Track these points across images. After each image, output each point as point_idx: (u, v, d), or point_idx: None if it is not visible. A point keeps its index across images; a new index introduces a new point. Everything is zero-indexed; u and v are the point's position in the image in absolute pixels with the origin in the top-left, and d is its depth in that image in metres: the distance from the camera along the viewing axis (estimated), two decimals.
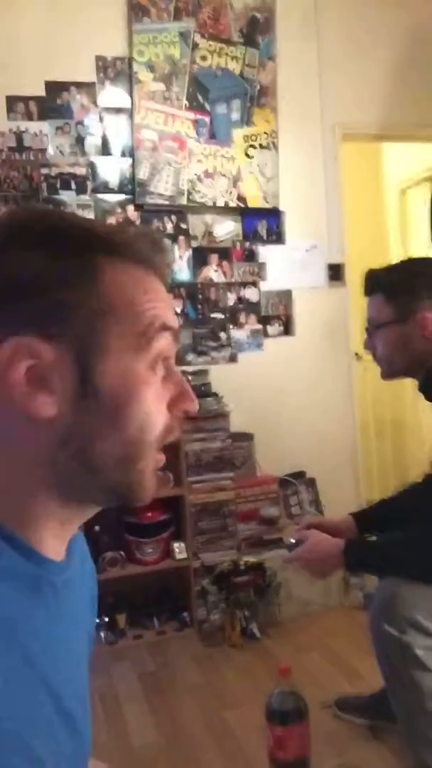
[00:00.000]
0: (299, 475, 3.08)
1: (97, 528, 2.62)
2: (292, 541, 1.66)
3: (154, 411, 0.60)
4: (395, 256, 4.21)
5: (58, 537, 0.62)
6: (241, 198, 3.04)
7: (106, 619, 2.61)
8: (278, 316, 3.15)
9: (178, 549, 2.69)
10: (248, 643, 2.52)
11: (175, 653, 2.52)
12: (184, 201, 2.94)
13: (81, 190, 2.83)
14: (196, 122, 2.96)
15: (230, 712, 2.08)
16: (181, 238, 2.98)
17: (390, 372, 1.66)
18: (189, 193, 2.95)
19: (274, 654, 2.44)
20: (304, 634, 2.59)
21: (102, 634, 2.57)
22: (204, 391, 2.81)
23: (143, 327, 0.59)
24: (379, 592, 1.43)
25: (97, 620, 2.57)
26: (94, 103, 2.85)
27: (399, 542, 1.49)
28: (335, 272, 3.23)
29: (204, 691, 2.23)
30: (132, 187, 2.88)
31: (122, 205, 2.89)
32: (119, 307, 0.58)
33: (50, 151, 2.80)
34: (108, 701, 2.19)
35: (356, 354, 3.36)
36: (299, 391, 3.17)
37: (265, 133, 3.07)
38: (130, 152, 2.88)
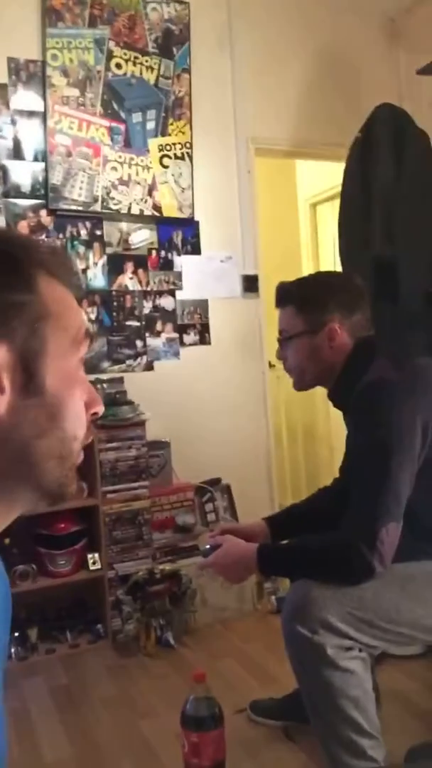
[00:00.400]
0: (215, 482, 3.11)
1: (7, 541, 2.54)
2: (207, 546, 1.68)
3: (81, 409, 0.66)
4: (307, 269, 4.35)
5: None
6: (156, 207, 3.05)
7: (17, 634, 2.53)
8: (194, 324, 3.17)
9: (92, 560, 2.65)
10: (163, 652, 2.51)
11: (89, 666, 2.47)
12: (98, 208, 2.92)
13: None
14: (110, 129, 2.95)
15: (145, 722, 2.06)
16: (96, 244, 2.96)
17: (301, 383, 1.73)
18: (104, 200, 2.93)
19: (189, 662, 2.44)
20: (219, 641, 2.61)
21: (12, 650, 2.49)
22: (119, 399, 2.79)
23: (74, 332, 0.66)
24: (291, 594, 1.46)
25: None
26: (6, 105, 2.79)
27: (310, 545, 1.53)
28: (250, 283, 3.30)
29: (118, 703, 2.21)
30: (45, 191, 2.83)
31: (34, 210, 2.83)
32: (56, 314, 0.64)
33: None
34: (20, 717, 2.12)
35: (270, 363, 3.44)
36: (215, 399, 3.21)
37: (180, 143, 3.10)
38: (43, 156, 2.84)
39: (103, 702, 2.22)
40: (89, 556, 2.65)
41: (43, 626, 2.62)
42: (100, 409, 0.69)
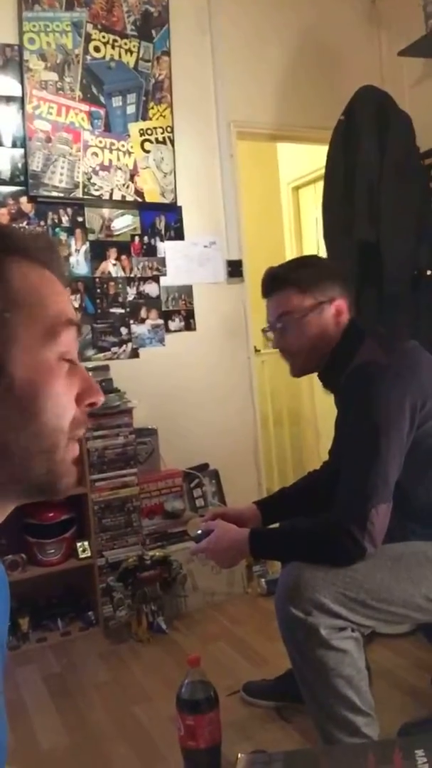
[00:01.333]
0: (203, 468, 3.12)
1: None
2: (199, 532, 1.68)
3: (63, 402, 0.63)
4: (290, 253, 4.34)
5: None
6: (138, 192, 3.02)
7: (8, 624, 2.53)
8: (179, 311, 3.16)
9: (82, 548, 2.65)
10: (155, 638, 2.53)
11: (81, 653, 2.48)
12: (80, 194, 2.89)
13: None
14: (90, 114, 2.91)
15: (139, 707, 2.08)
16: (78, 231, 2.93)
17: (307, 366, 1.68)
18: (85, 186, 2.90)
19: (181, 646, 2.46)
20: (211, 624, 2.63)
21: None
22: (105, 387, 2.77)
23: (51, 321, 0.63)
24: (283, 577, 1.47)
25: None
26: None
27: (301, 528, 1.54)
28: (234, 268, 3.29)
29: (112, 689, 2.22)
30: (25, 178, 2.79)
31: (15, 197, 2.79)
32: (28, 302, 0.61)
33: None
34: (14, 706, 2.12)
35: (255, 348, 3.44)
36: (201, 385, 3.20)
37: (161, 128, 3.07)
38: (23, 143, 2.79)
39: (97, 688, 2.23)
40: (79, 544, 2.65)
41: (35, 615, 2.62)
42: (98, 398, 0.67)
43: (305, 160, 4.10)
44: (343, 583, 1.41)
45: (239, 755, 0.83)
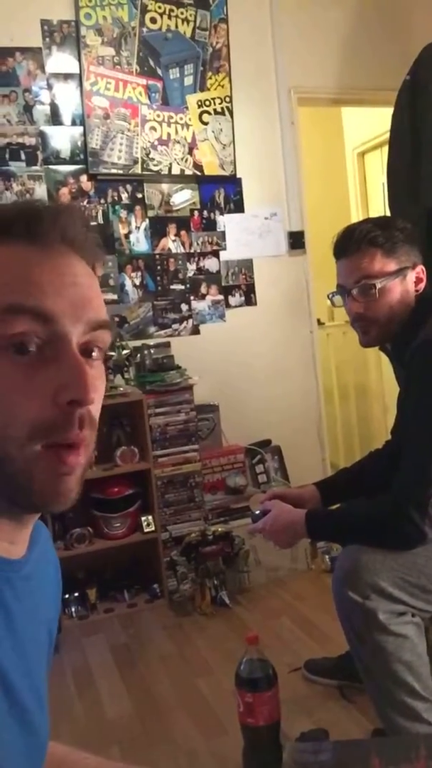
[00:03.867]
0: (265, 444, 3.11)
1: None
2: (257, 512, 1.67)
3: (9, 404, 0.54)
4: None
5: (9, 537, 0.62)
6: (197, 165, 2.98)
7: (77, 594, 2.61)
8: (239, 285, 3.13)
9: (146, 522, 2.70)
10: (219, 611, 2.56)
11: (147, 624, 2.54)
12: (138, 170, 2.88)
13: (31, 160, 2.74)
14: (148, 88, 2.88)
15: (202, 680, 2.11)
16: (137, 208, 2.92)
17: (385, 334, 1.56)
18: (143, 162, 2.88)
19: (244, 620, 2.48)
20: (274, 600, 2.63)
21: (73, 609, 2.58)
22: (167, 364, 2.79)
23: None
24: (341, 560, 1.45)
25: (67, 595, 2.58)
26: (42, 69, 2.75)
27: (359, 510, 1.51)
28: (296, 240, 3.22)
29: (176, 661, 2.26)
30: (84, 156, 2.81)
31: (75, 175, 2.81)
32: None
33: None
34: (81, 675, 2.21)
35: (318, 320, 3.37)
36: (263, 361, 3.17)
37: (219, 98, 3.01)
38: (81, 120, 2.80)
39: (161, 659, 2.28)
40: (143, 518, 2.70)
41: (102, 587, 2.69)
42: (75, 393, 0.54)
43: (371, 124, 3.94)
44: (403, 568, 1.38)
45: (285, 744, 0.82)
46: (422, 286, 1.56)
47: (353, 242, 1.54)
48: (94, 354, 0.60)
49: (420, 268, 1.56)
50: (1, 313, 0.53)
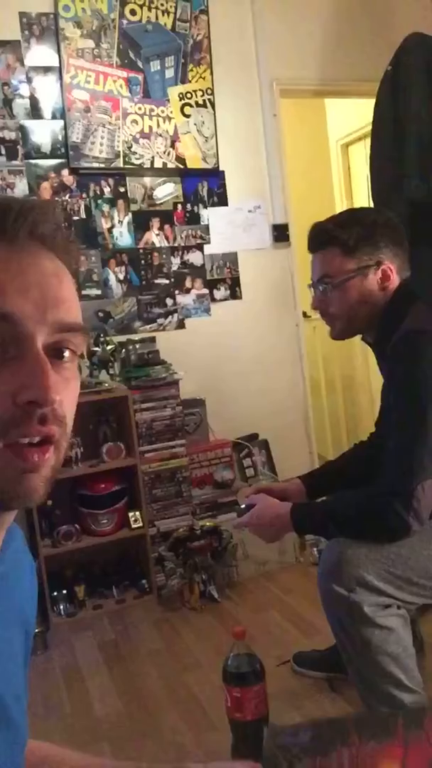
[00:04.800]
0: (252, 438, 3.10)
1: (49, 502, 2.59)
2: (242, 506, 1.67)
3: None
4: None
5: None
6: (179, 159, 2.97)
7: (65, 592, 2.60)
8: (224, 279, 3.12)
9: (134, 518, 2.69)
10: (207, 606, 2.56)
11: (136, 620, 2.53)
12: (120, 164, 2.86)
13: (12, 155, 2.71)
14: (128, 80, 2.85)
15: (191, 675, 2.11)
16: (120, 202, 2.90)
17: (347, 330, 1.60)
18: (125, 155, 2.86)
19: (233, 614, 2.48)
20: (262, 593, 2.63)
21: (61, 606, 2.57)
22: (152, 359, 2.77)
23: None
24: (326, 553, 1.45)
25: (55, 593, 2.57)
26: (21, 62, 2.71)
27: (344, 503, 1.50)
28: (280, 232, 3.21)
29: (165, 656, 2.26)
30: (65, 150, 2.78)
31: (56, 169, 2.79)
32: None
33: None
34: (70, 672, 2.20)
35: (304, 313, 3.36)
36: (249, 354, 3.17)
37: (201, 90, 2.98)
38: (62, 114, 2.77)
39: (150, 655, 2.28)
40: (130, 514, 2.69)
41: (90, 583, 2.68)
42: (32, 394, 0.54)
43: (355, 116, 3.93)
44: (388, 560, 1.38)
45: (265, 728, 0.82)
46: (392, 282, 1.55)
47: (316, 240, 1.57)
48: (65, 355, 0.58)
49: (386, 266, 1.54)
50: None
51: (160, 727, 1.87)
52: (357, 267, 1.53)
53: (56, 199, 2.77)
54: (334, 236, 1.54)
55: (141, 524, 2.69)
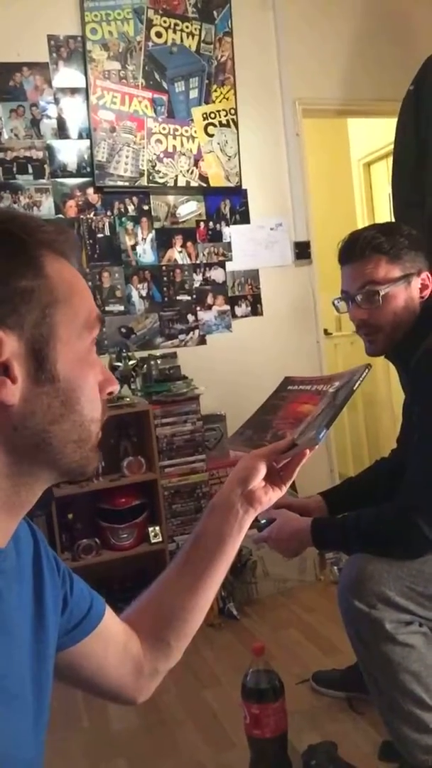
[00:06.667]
0: None
1: (70, 516, 2.61)
2: (262, 521, 1.67)
3: (96, 393, 0.66)
4: None
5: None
6: (203, 177, 3.00)
7: None
8: (245, 296, 3.13)
9: (153, 533, 2.69)
10: (226, 623, 2.54)
11: None
12: (144, 182, 2.90)
13: (38, 174, 2.77)
14: (153, 101, 2.91)
15: (209, 691, 2.10)
16: (144, 219, 2.94)
17: (390, 342, 1.54)
18: (149, 174, 2.90)
19: (252, 632, 2.46)
20: (282, 611, 2.61)
21: None
22: (173, 375, 2.79)
23: (85, 316, 0.64)
24: (347, 569, 1.43)
25: None
26: (49, 83, 2.78)
27: (365, 518, 1.49)
28: (301, 250, 3.22)
29: (183, 672, 2.24)
30: (91, 169, 2.83)
31: (81, 188, 2.84)
32: (65, 298, 0.62)
33: (4, 134, 2.72)
34: None
35: (325, 330, 3.37)
36: (270, 370, 3.15)
37: (224, 110, 3.03)
38: (88, 134, 2.82)
39: (169, 671, 2.26)
40: (150, 529, 2.69)
41: (109, 598, 2.66)
42: (115, 388, 0.69)
43: (377, 135, 3.95)
44: (410, 576, 1.37)
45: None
46: (428, 292, 1.55)
47: (358, 248, 1.53)
48: None
49: (425, 274, 1.55)
50: (96, 319, 0.66)
51: (178, 744, 1.85)
52: (402, 274, 1.51)
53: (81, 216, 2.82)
54: (379, 243, 1.51)
55: (160, 539, 2.69)
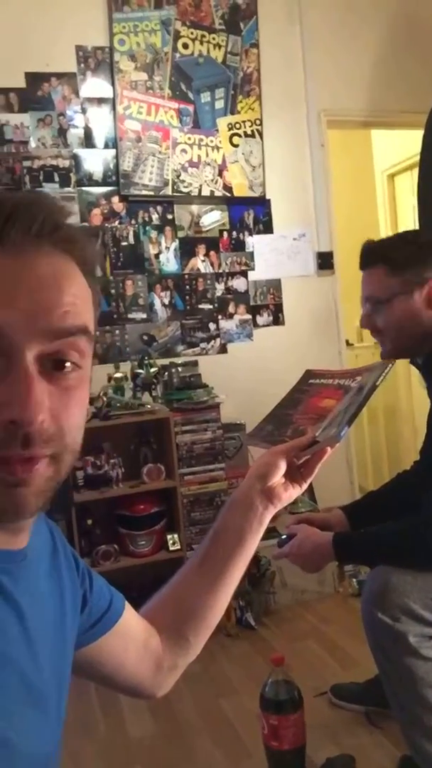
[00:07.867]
0: None
1: (89, 522, 2.62)
2: (283, 536, 1.66)
3: None
4: None
5: (8, 531, 0.61)
6: (227, 187, 3.02)
7: None
8: (267, 305, 3.14)
9: (172, 540, 2.69)
10: (244, 632, 2.53)
11: None
12: (169, 191, 2.92)
13: (65, 182, 2.80)
14: (179, 111, 2.93)
15: (226, 701, 2.09)
16: (168, 228, 2.96)
17: (397, 349, 1.57)
18: (174, 184, 2.93)
19: (269, 642, 2.45)
20: (300, 622, 2.60)
21: None
22: (194, 383, 2.80)
23: None
24: (370, 581, 1.43)
25: None
26: (76, 93, 2.82)
27: (388, 530, 1.48)
28: (324, 260, 3.22)
29: (200, 681, 2.24)
30: (116, 178, 2.86)
31: (107, 197, 2.86)
32: None
33: (32, 143, 2.76)
34: (105, 694, 2.19)
35: (347, 341, 3.35)
36: (290, 380, 3.11)
37: (249, 121, 3.05)
38: (114, 143, 2.86)
39: (185, 679, 2.20)
40: (169, 536, 2.69)
41: None
42: (13, 414, 0.51)
43: (401, 146, 3.95)
44: None
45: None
46: None
47: (364, 258, 1.58)
48: (67, 366, 0.55)
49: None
50: None
51: (194, 752, 1.85)
52: (401, 286, 1.52)
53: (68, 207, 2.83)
54: (382, 255, 1.54)
55: (179, 547, 2.68)
